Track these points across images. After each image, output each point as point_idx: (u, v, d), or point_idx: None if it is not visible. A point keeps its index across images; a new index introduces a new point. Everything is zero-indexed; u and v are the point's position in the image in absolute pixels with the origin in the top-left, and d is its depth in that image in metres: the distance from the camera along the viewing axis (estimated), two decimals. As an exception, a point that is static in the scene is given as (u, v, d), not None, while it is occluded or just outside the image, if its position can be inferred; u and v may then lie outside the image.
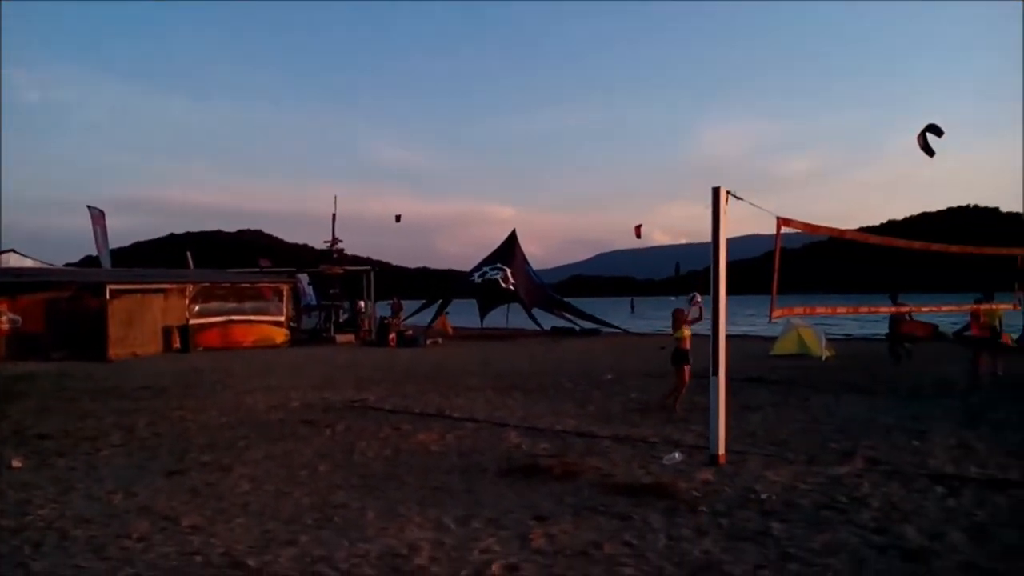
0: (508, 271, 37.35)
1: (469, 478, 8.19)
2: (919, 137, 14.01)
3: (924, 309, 14.27)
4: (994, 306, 14.76)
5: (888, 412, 12.34)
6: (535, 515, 6.70)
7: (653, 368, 20.15)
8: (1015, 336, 25.38)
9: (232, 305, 31.13)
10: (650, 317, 68.53)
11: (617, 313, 73.46)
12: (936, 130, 12.83)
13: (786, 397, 14.29)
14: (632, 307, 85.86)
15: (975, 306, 16.09)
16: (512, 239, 40.52)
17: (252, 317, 31.52)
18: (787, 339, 23.86)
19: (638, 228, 43.53)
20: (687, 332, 12.78)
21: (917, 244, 11.44)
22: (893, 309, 15.71)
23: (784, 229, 8.86)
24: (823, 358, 22.17)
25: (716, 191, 8.28)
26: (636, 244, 51.06)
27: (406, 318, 36.65)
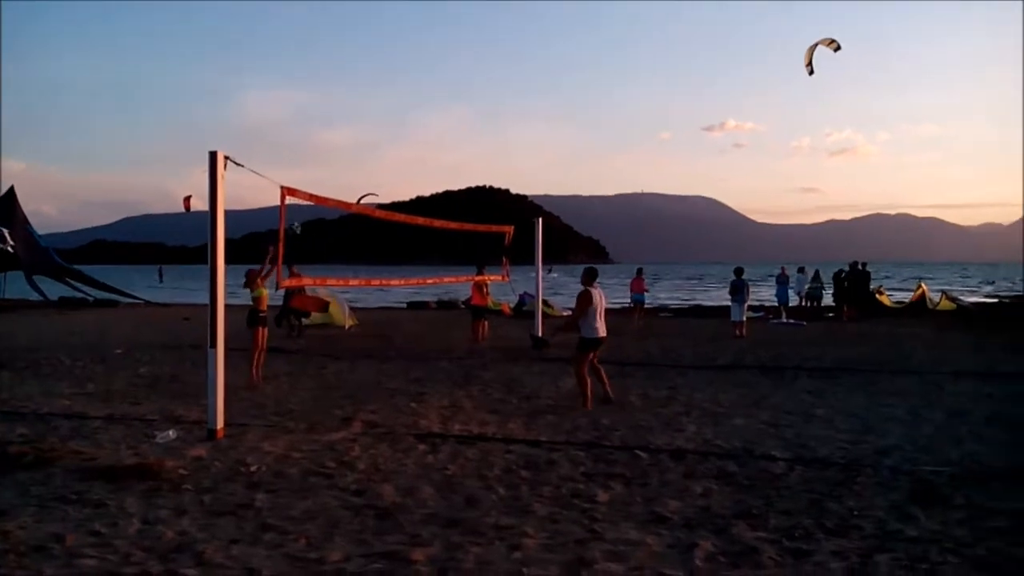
0: (5, 232, 32.73)
1: (-91, 477, 6.92)
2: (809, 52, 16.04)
3: (429, 281, 15.35)
4: (488, 277, 16.43)
5: (396, 376, 13.09)
6: (-10, 512, 5.86)
7: (172, 340, 19.15)
8: (512, 304, 28.65)
9: None
10: (180, 286, 65.33)
11: (143, 282, 68.86)
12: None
13: (304, 366, 14.45)
14: (160, 275, 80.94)
15: (477, 277, 17.78)
16: (11, 197, 35.52)
17: None
18: (313, 308, 24.19)
19: (187, 200, 40.84)
20: (264, 292, 12.19)
21: (420, 220, 12.23)
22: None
23: (289, 199, 8.82)
24: (347, 327, 22.91)
25: (213, 156, 7.94)
26: (168, 209, 48.12)
27: None
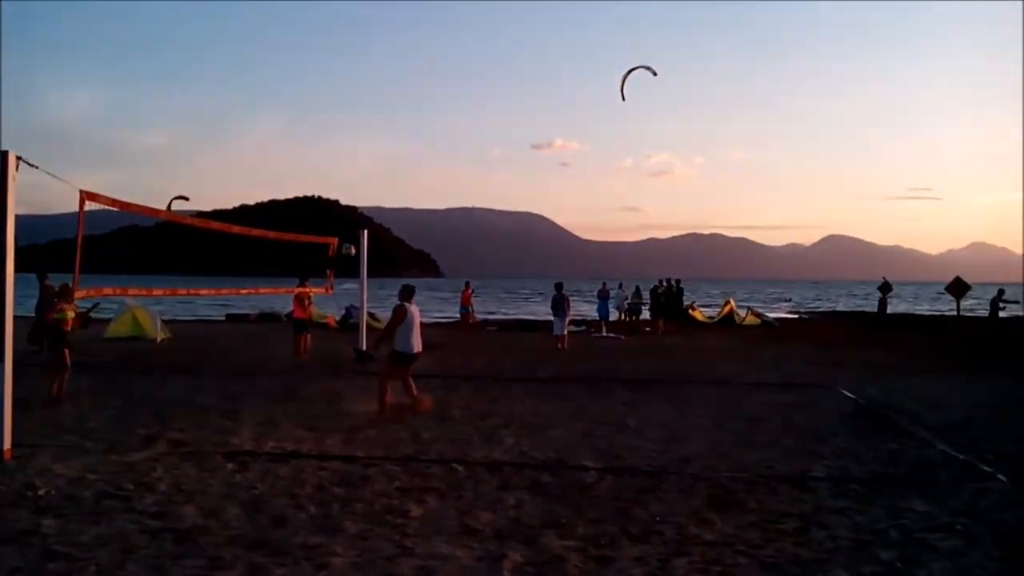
0: None
1: None
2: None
3: (244, 291, 14.87)
4: (311, 290, 16.07)
5: (210, 392, 12.51)
6: None
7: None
8: (337, 317, 28.19)
9: None
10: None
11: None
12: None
13: (109, 383, 13.58)
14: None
15: (298, 289, 17.36)
16: None
17: None
18: (122, 321, 22.86)
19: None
20: (70, 314, 11.42)
21: (236, 228, 11.79)
22: (207, 291, 15.87)
23: (90, 205, 8.29)
24: (159, 340, 21.79)
25: (3, 156, 7.34)
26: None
27: None
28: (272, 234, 13.34)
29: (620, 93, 17.81)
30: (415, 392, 10.81)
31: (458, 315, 27.22)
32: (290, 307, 20.71)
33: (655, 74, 18.59)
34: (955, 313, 33.29)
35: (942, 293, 39.10)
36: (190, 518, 5.99)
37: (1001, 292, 29.12)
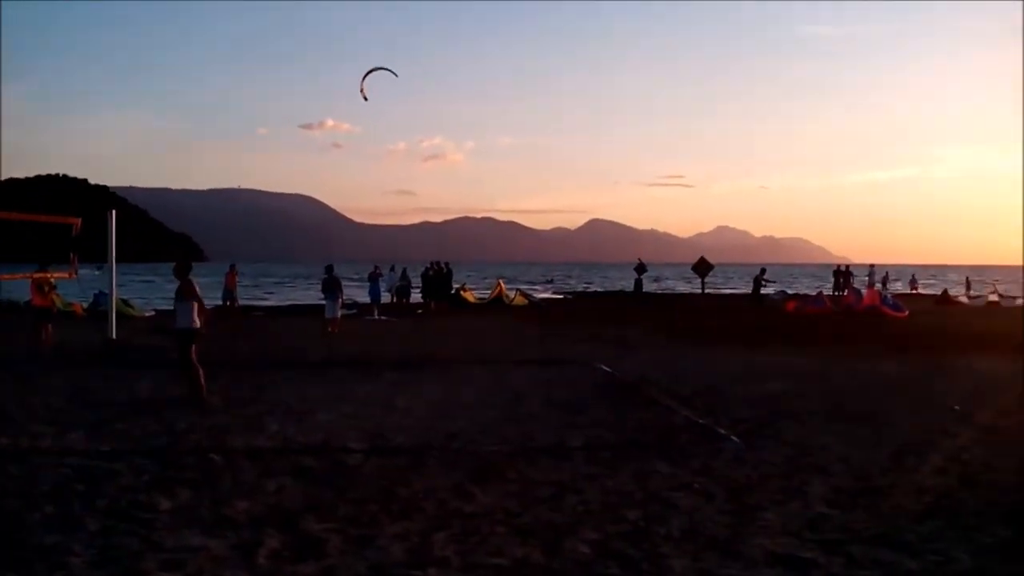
0: None
1: None
2: None
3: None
4: (52, 275, 14.76)
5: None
6: None
7: None
8: (85, 305, 26.12)
9: None
10: None
11: None
12: None
13: None
14: None
15: (37, 275, 15.90)
16: None
17: None
18: None
19: None
20: None
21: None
22: None
23: None
24: None
25: None
26: None
27: None
28: (2, 214, 12.06)
29: (361, 94, 18.06)
30: (201, 376, 10.54)
31: (220, 301, 26.01)
32: (29, 295, 18.92)
33: (396, 75, 19.08)
34: (700, 291, 36.13)
35: (690, 273, 42.24)
36: (-101, 526, 5.36)
37: (763, 271, 31.89)
